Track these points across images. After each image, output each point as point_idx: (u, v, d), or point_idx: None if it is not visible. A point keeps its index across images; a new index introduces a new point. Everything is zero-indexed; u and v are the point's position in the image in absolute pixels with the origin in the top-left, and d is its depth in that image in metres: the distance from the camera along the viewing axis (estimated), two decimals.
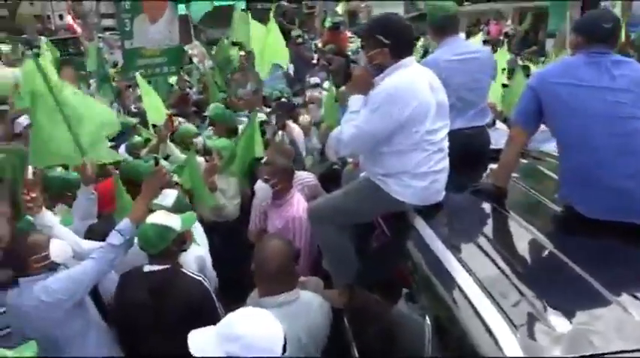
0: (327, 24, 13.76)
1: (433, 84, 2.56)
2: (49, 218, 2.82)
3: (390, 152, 2.51)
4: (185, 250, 2.86)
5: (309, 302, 2.44)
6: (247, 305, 2.71)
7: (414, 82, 2.46)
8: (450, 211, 2.66)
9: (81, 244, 2.90)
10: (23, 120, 5.44)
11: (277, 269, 2.27)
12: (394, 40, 2.49)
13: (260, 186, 3.82)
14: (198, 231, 3.36)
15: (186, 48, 7.78)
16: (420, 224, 2.51)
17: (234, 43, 8.39)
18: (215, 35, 12.58)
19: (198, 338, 1.67)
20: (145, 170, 3.84)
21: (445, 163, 2.61)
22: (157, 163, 3.70)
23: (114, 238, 2.67)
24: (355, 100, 2.62)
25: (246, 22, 6.94)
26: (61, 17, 23.95)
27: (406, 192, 2.53)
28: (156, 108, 5.56)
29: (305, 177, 4.11)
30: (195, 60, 7.48)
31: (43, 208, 2.82)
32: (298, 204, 3.50)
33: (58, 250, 2.62)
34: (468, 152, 2.98)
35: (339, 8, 19.04)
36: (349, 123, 2.54)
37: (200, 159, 4.35)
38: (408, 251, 2.42)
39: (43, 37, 6.09)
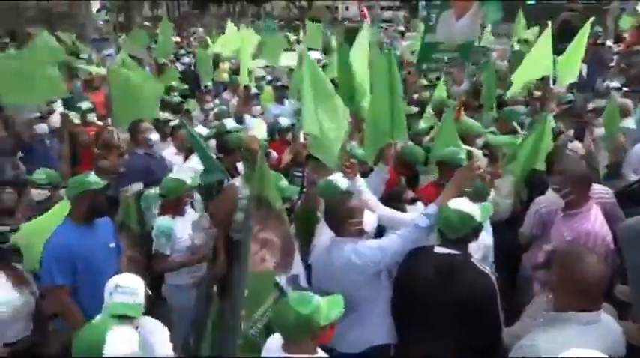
0: (626, 23, 12.08)
1: None
2: (361, 183, 3.14)
3: None
4: (475, 240, 2.84)
5: (612, 328, 2.18)
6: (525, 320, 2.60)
7: None
8: None
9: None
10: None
11: (595, 285, 2.07)
12: None
13: (548, 193, 3.58)
14: None
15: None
16: None
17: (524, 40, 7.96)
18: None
19: None
20: (418, 156, 4.03)
21: None
22: (469, 157, 3.79)
23: (420, 220, 2.78)
24: None
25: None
26: (347, 9, 26.31)
27: None
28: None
29: (600, 191, 3.69)
30: (493, 55, 7.32)
31: (358, 174, 3.17)
32: (595, 219, 3.17)
33: (369, 220, 2.89)
34: None
35: None
36: None
37: None
38: None
39: (366, 24, 6.57)
